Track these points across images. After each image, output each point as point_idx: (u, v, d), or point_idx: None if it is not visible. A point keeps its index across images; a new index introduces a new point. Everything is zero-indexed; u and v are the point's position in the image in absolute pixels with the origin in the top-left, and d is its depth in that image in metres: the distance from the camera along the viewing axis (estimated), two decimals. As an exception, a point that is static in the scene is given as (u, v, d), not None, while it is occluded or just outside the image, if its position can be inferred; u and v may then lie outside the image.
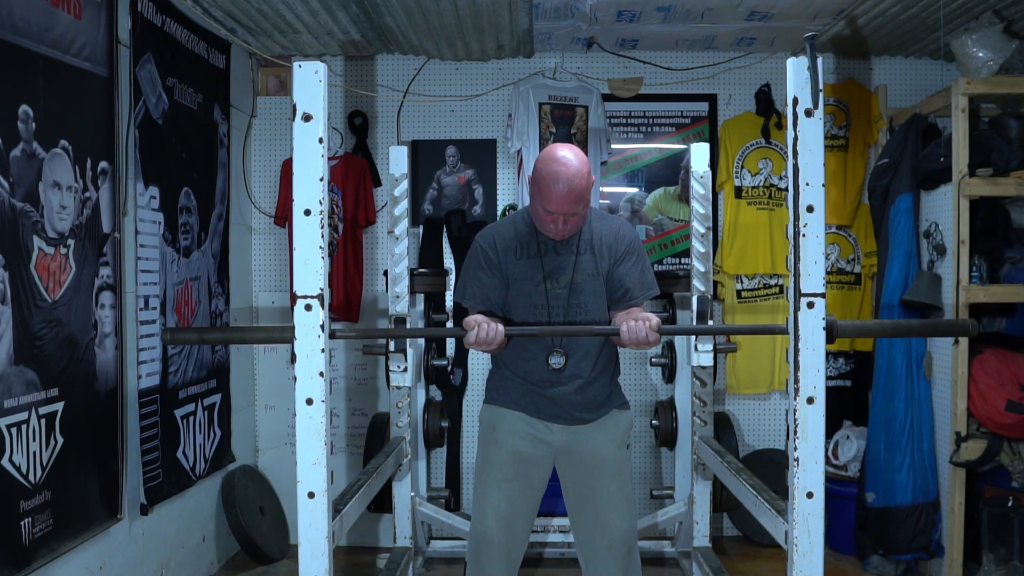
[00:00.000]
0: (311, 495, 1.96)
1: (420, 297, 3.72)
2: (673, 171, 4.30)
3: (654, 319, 2.21)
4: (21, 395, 2.34)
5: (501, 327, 2.21)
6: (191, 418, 3.47)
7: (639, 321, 2.19)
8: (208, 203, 3.66)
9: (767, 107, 4.21)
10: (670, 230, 4.31)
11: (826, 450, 2.23)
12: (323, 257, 1.94)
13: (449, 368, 4.15)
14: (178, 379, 3.35)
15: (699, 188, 3.42)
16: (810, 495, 1.92)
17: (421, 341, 3.64)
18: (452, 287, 4.01)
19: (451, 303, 4.11)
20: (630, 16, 3.69)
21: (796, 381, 1.90)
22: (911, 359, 3.67)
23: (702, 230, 3.41)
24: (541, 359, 2.40)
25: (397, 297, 3.41)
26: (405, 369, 3.33)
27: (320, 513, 1.97)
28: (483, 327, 2.20)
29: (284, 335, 1.99)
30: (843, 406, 4.16)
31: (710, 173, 3.45)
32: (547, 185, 2.26)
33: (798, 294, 1.89)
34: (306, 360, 1.94)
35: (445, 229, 4.26)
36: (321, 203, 1.93)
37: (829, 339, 1.91)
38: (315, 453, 1.95)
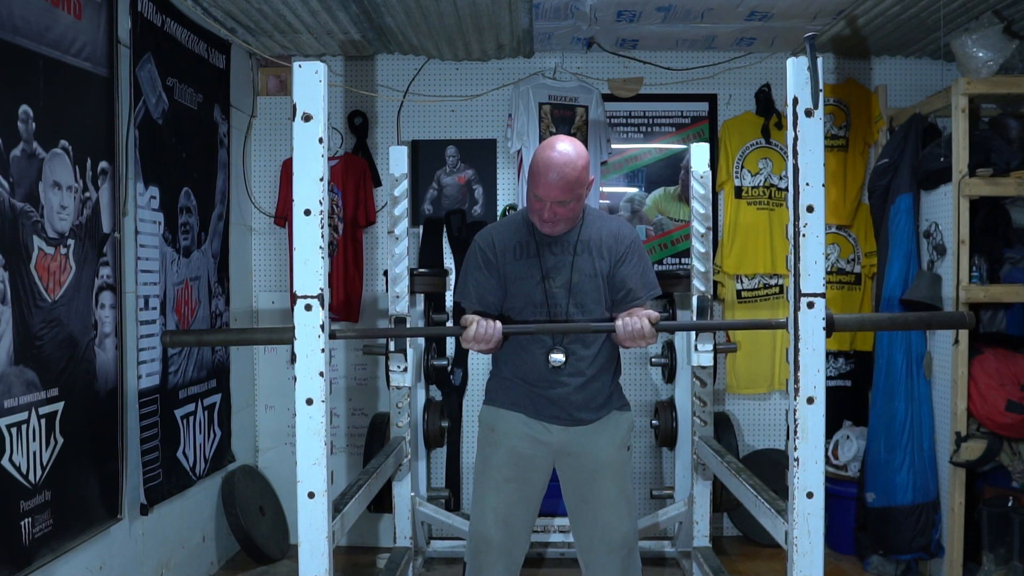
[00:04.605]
0: (311, 495, 1.96)
1: (420, 297, 3.72)
2: (673, 171, 4.30)
3: (653, 314, 2.20)
4: (21, 395, 2.34)
5: (499, 324, 2.21)
6: (191, 418, 3.47)
7: (636, 317, 2.19)
8: (208, 203, 3.66)
9: (767, 107, 4.21)
10: (670, 230, 4.31)
11: (826, 450, 2.23)
12: (323, 257, 1.94)
13: (449, 368, 4.15)
14: (178, 379, 3.35)
15: (699, 188, 3.43)
16: (810, 495, 1.92)
17: (421, 341, 3.64)
18: (452, 287, 4.01)
19: (451, 303, 4.11)
20: (630, 16, 3.69)
21: (796, 381, 1.90)
22: (911, 359, 3.66)
23: (702, 230, 3.42)
24: (541, 358, 2.39)
25: (397, 297, 3.41)
26: (405, 369, 3.33)
27: (320, 513, 1.97)
28: (481, 324, 2.20)
29: (284, 336, 1.98)
30: (843, 406, 4.16)
31: (710, 173, 3.45)
32: (539, 170, 2.27)
33: (798, 294, 1.89)
34: (306, 360, 1.94)
35: (445, 229, 4.26)
36: (321, 203, 1.92)
37: (828, 332, 1.90)
38: (315, 453, 1.95)
